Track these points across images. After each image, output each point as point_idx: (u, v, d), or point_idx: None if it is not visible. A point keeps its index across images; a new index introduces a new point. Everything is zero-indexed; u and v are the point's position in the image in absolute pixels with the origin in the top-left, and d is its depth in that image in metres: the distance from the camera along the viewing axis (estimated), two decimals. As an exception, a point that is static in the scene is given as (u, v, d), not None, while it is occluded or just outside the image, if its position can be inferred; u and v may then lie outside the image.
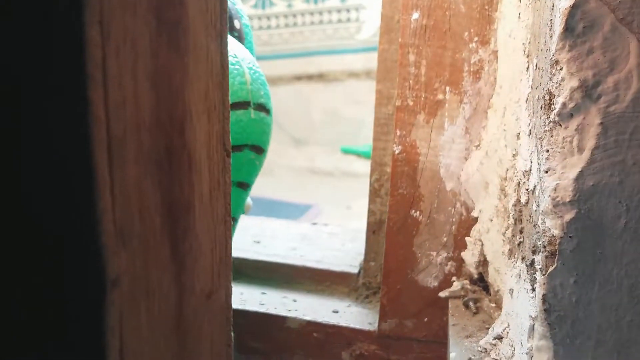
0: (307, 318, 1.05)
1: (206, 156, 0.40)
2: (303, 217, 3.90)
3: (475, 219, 0.93)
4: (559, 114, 0.59)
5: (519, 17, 0.78)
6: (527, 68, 0.72)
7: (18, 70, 0.26)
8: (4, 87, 0.26)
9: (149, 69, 0.32)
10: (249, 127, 0.89)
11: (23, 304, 0.28)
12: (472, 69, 0.90)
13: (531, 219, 0.66)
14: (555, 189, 0.60)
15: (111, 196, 0.29)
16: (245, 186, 0.95)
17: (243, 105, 0.87)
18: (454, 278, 0.95)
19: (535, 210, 0.64)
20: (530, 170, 0.68)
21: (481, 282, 0.92)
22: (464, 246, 0.94)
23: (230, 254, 0.46)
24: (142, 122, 0.32)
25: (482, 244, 0.91)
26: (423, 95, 0.93)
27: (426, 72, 0.92)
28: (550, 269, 0.61)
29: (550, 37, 0.60)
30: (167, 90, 0.34)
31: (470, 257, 0.93)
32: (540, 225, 0.62)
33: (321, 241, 1.40)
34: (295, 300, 1.12)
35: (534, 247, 0.64)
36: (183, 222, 0.38)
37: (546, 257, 0.61)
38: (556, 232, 0.60)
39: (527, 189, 0.69)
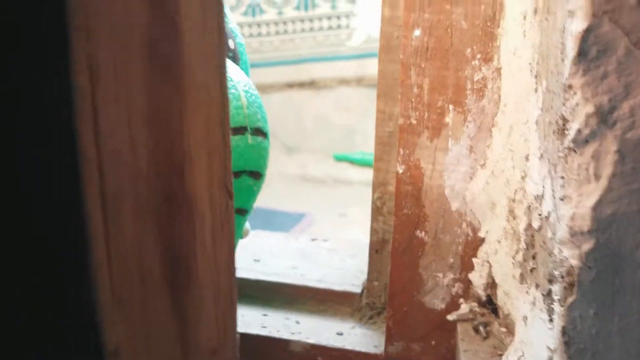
0: (311, 341, 1.03)
1: (208, 201, 0.37)
2: (297, 226, 3.87)
3: (482, 240, 0.91)
4: (574, 141, 0.57)
5: (524, 35, 0.76)
6: (536, 89, 0.70)
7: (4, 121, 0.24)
8: None
9: (145, 112, 0.30)
10: (247, 153, 0.86)
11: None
12: (475, 87, 0.89)
13: (546, 246, 0.65)
14: (572, 218, 0.58)
15: (108, 261, 0.26)
16: (243, 212, 0.93)
17: (240, 130, 0.85)
18: (461, 300, 0.93)
19: (551, 238, 0.62)
20: (543, 195, 0.66)
21: (489, 304, 0.91)
22: (471, 267, 0.92)
23: (236, 304, 0.44)
24: (139, 172, 0.29)
25: (490, 266, 0.89)
26: (426, 115, 0.91)
27: (429, 91, 0.90)
28: (569, 300, 0.59)
29: (562, 60, 0.58)
30: (166, 133, 0.32)
31: (477, 278, 0.91)
32: (556, 254, 0.60)
33: (321, 258, 1.38)
34: (298, 322, 1.10)
35: (550, 276, 0.62)
36: (184, 274, 0.35)
37: (565, 288, 0.59)
38: (574, 262, 0.58)
39: (539, 214, 0.67)
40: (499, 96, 0.87)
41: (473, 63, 0.88)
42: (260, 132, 0.89)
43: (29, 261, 0.25)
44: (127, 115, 0.28)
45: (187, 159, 0.34)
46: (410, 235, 0.95)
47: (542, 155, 0.67)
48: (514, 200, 0.80)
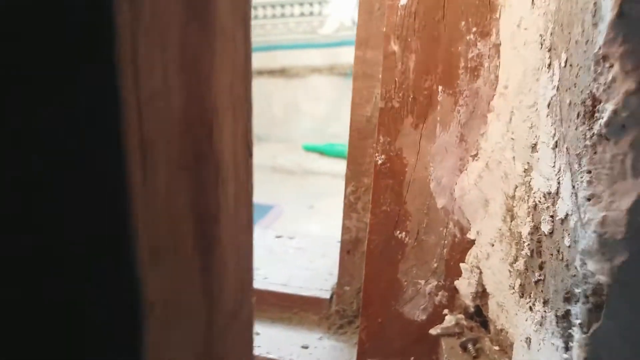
0: (272, 357, 0.89)
1: (232, 158, 0.35)
2: (265, 218, 3.73)
3: (472, 242, 0.79)
4: (607, 125, 0.45)
5: (533, 3, 0.64)
6: (549, 65, 0.58)
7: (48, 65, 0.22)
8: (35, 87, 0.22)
9: (179, 58, 0.27)
10: None
11: (59, 336, 0.25)
12: (469, 65, 0.76)
13: (561, 256, 0.53)
14: (602, 223, 0.46)
15: (145, 216, 0.25)
16: None
17: None
18: (446, 311, 0.81)
19: (570, 247, 0.50)
20: (558, 193, 0.54)
21: (478, 316, 0.79)
22: (457, 273, 0.80)
23: (253, 268, 0.42)
24: (173, 123, 0.27)
25: (481, 272, 0.77)
26: (411, 96, 0.78)
27: (415, 68, 0.78)
28: (595, 326, 0.47)
29: (594, 25, 0.46)
30: (196, 83, 0.29)
31: (465, 286, 0.79)
32: (578, 268, 0.48)
33: (288, 257, 1.25)
34: (258, 333, 0.96)
35: (567, 293, 0.51)
36: (210, 234, 0.34)
37: (589, 310, 0.47)
38: (603, 278, 0.46)
39: (551, 216, 0.56)
40: (497, 76, 0.75)
41: (467, 38, 0.76)
42: None
43: (72, 214, 0.24)
44: (162, 60, 0.26)
45: (215, 114, 0.32)
46: (388, 235, 0.82)
47: (556, 144, 0.55)
48: (513, 198, 0.68)
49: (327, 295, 1.02)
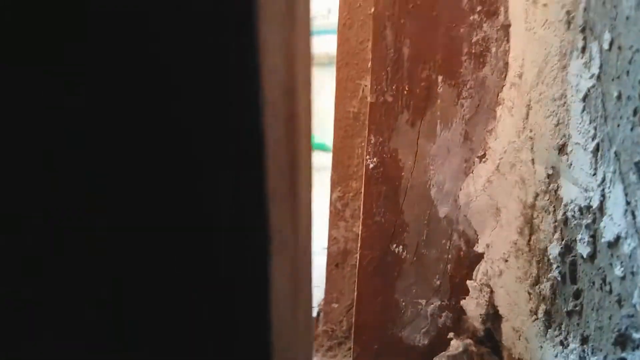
0: (253, 390, 0.78)
1: (303, 118, 0.41)
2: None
3: (480, 256, 0.69)
4: (681, 126, 0.34)
5: (554, -27, 0.53)
6: (584, 49, 0.47)
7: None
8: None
9: (283, 40, 0.34)
10: None
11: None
12: (473, 51, 0.65)
13: (608, 288, 0.42)
14: (674, 253, 0.35)
15: (270, 157, 0.31)
16: None
17: None
18: (451, 334, 0.70)
19: (624, 278, 0.40)
20: (602, 208, 0.43)
21: (489, 340, 0.69)
22: (464, 292, 0.70)
23: (312, 216, 0.44)
24: (281, 88, 0.34)
25: (492, 291, 0.67)
26: (406, 88, 0.67)
27: (410, 56, 0.66)
28: (664, 383, 0.37)
29: (661, -7, 0.35)
30: (289, 62, 0.37)
31: (474, 307, 0.69)
32: (638, 307, 0.38)
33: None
34: None
35: (621, 336, 0.40)
36: (295, 179, 0.39)
37: (656, 363, 0.37)
38: (674, 322, 0.36)
39: (592, 236, 0.45)
40: (506, 63, 0.64)
41: (471, 18, 0.65)
42: None
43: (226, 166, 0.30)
44: (276, 40, 0.32)
45: (296, 87, 0.39)
46: (383, 250, 0.71)
47: (598, 147, 0.44)
48: (533, 207, 0.58)
49: (313, 314, 0.90)
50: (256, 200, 0.31)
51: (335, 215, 0.86)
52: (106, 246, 0.32)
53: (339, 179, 0.84)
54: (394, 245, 0.71)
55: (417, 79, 0.67)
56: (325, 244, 0.89)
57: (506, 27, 0.64)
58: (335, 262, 0.87)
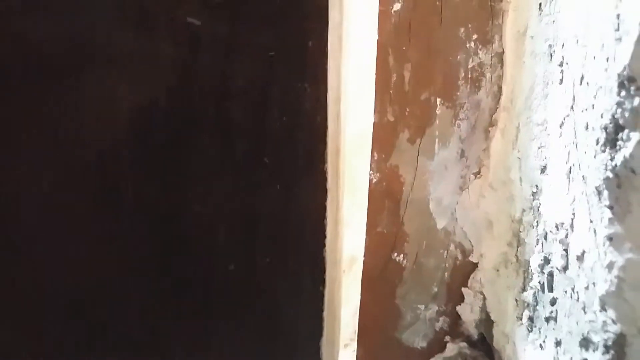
0: (263, 385, 0.84)
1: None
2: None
3: (475, 265, 0.74)
4: (632, 157, 0.40)
5: (540, 8, 0.58)
6: (561, 81, 0.52)
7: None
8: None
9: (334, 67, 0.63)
10: None
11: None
12: (469, 76, 0.71)
13: (576, 296, 0.47)
14: (625, 267, 0.40)
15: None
16: None
17: None
18: (447, 338, 0.76)
19: (587, 288, 0.45)
20: (573, 225, 0.49)
21: (482, 344, 0.74)
22: (459, 298, 0.75)
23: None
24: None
25: (485, 298, 0.72)
26: (407, 109, 0.72)
27: (411, 80, 0.72)
28: (617, 381, 0.42)
29: (618, 40, 0.40)
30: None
31: (468, 313, 0.74)
32: (597, 313, 0.43)
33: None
34: (248, 359, 0.90)
35: (584, 340, 0.45)
36: (338, 166, 0.66)
37: (611, 362, 0.42)
38: (625, 328, 0.41)
39: (565, 250, 0.50)
40: (500, 87, 0.70)
41: (467, 46, 0.70)
42: None
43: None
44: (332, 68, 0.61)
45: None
46: (385, 258, 0.77)
47: (570, 170, 0.49)
48: (520, 222, 0.63)
49: (321, 317, 0.96)
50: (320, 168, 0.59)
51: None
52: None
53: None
54: (395, 254, 0.76)
55: (417, 101, 0.72)
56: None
57: (500, 55, 0.69)
58: (343, 269, 0.93)
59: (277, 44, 0.59)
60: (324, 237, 0.69)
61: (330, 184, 0.66)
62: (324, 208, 0.67)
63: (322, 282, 0.70)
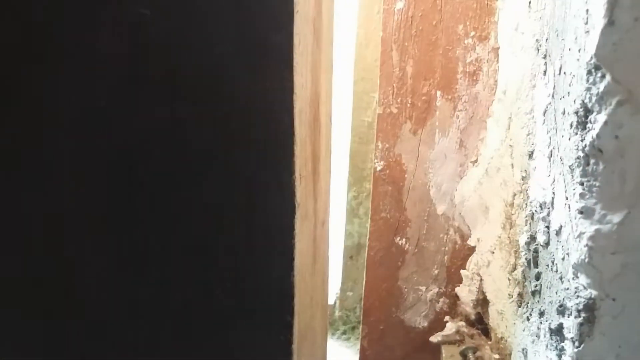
0: (275, 362, 0.89)
1: (325, 124, 0.55)
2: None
3: (472, 249, 0.78)
4: (599, 136, 0.44)
5: (529, 6, 0.63)
6: (545, 72, 0.57)
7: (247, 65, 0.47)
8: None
9: (310, 63, 0.48)
10: None
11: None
12: (467, 70, 0.75)
13: (555, 268, 0.52)
14: (593, 237, 0.45)
15: (297, 148, 0.46)
16: None
17: None
18: (447, 318, 0.80)
19: (563, 259, 0.49)
20: (553, 203, 0.53)
21: (479, 323, 0.78)
22: (458, 280, 0.79)
23: (330, 195, 0.62)
24: (307, 100, 0.48)
25: (481, 279, 0.76)
26: (409, 101, 0.77)
27: (413, 74, 0.77)
28: (587, 340, 0.46)
29: (587, 32, 0.44)
30: (315, 77, 0.50)
31: (466, 293, 0.78)
32: (571, 281, 0.47)
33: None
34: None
35: (561, 306, 0.50)
36: (317, 169, 0.52)
37: (580, 324, 0.46)
38: (594, 292, 0.45)
39: (547, 227, 0.55)
40: (495, 81, 0.74)
41: (466, 42, 0.75)
42: None
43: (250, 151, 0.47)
44: (305, 65, 0.47)
45: (319, 96, 0.51)
46: (389, 242, 0.81)
47: (551, 154, 0.54)
48: (512, 205, 0.67)
49: (330, 301, 1.01)
50: (287, 179, 0.45)
51: (351, 213, 0.97)
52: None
53: (354, 181, 0.95)
54: (398, 239, 0.81)
55: (419, 94, 0.77)
56: (342, 238, 1.00)
57: (496, 50, 0.73)
58: (350, 255, 0.98)
59: (234, 38, 0.46)
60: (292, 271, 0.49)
61: (300, 199, 0.48)
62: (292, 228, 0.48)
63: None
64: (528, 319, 0.60)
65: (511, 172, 0.67)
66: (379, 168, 0.79)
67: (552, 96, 0.54)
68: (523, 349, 0.60)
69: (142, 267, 0.51)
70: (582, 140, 0.45)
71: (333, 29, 0.59)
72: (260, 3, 0.44)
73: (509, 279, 0.68)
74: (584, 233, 0.45)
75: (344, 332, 0.95)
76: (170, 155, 0.48)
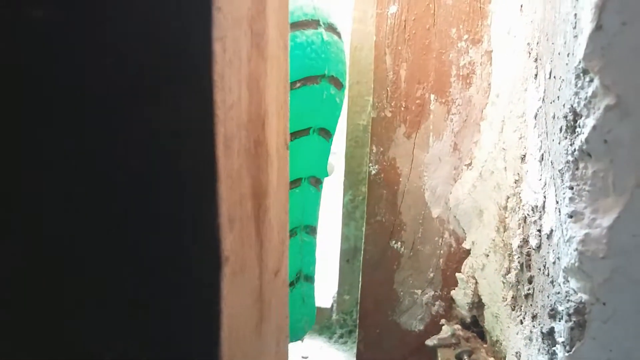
0: (271, 366, 0.89)
1: (275, 150, 0.45)
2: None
3: (467, 252, 0.78)
4: (588, 141, 0.44)
5: (521, 10, 0.63)
6: (536, 76, 0.57)
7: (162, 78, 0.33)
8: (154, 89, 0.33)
9: (246, 75, 0.38)
10: (325, 52, 0.67)
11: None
12: (461, 73, 0.75)
13: (546, 272, 0.52)
14: (583, 241, 0.45)
15: (225, 184, 0.34)
16: (327, 135, 0.72)
17: (311, 24, 0.65)
18: (442, 321, 0.80)
19: (554, 263, 0.49)
20: (544, 207, 0.53)
21: (475, 326, 0.78)
22: (453, 283, 0.79)
23: (288, 237, 0.51)
24: (242, 121, 0.37)
25: (476, 283, 0.76)
26: (403, 105, 0.77)
27: (407, 77, 0.77)
28: (578, 344, 0.46)
29: (575, 37, 0.45)
30: (256, 92, 0.39)
31: (462, 296, 0.78)
32: (561, 285, 0.48)
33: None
34: (257, 343, 0.96)
35: (552, 310, 0.50)
36: (263, 206, 0.42)
37: (571, 328, 0.46)
38: (585, 296, 0.45)
39: (539, 230, 0.55)
40: (489, 84, 0.74)
41: (459, 45, 0.75)
42: (333, 29, 0.69)
43: (172, 189, 0.34)
44: (236, 78, 0.36)
45: (266, 115, 0.42)
46: (384, 246, 0.81)
47: (542, 157, 0.54)
48: (505, 208, 0.67)
49: (327, 305, 1.01)
50: (210, 225, 0.33)
51: (347, 216, 0.97)
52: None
53: (349, 184, 0.95)
54: (393, 242, 0.81)
55: (413, 97, 0.77)
56: (338, 242, 1.00)
57: (489, 53, 0.73)
58: (346, 258, 0.98)
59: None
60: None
61: (230, 249, 0.39)
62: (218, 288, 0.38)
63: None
64: (521, 322, 0.60)
65: (504, 176, 0.67)
66: (373, 172, 0.79)
67: (543, 100, 0.54)
68: (517, 352, 0.60)
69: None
70: (571, 145, 0.46)
71: (288, 32, 0.48)
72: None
73: (503, 282, 0.68)
74: (573, 237, 0.45)
75: (341, 336, 0.95)
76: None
